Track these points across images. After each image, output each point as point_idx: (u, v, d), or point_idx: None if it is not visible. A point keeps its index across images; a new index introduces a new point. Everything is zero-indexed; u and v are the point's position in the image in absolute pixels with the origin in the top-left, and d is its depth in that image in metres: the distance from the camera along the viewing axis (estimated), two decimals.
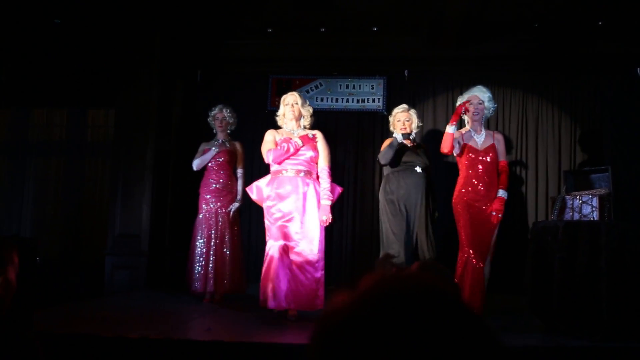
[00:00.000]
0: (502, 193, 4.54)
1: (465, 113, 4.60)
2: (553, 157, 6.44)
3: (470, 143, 4.63)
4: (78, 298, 5.51)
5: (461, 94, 4.97)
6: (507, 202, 4.60)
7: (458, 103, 4.79)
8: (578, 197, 4.43)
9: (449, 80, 6.67)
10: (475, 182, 4.54)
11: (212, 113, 5.48)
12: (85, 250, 7.00)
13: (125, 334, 3.49)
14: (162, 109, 6.38)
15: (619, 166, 5.98)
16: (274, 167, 4.46)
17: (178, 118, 6.80)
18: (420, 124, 5.26)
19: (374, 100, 6.71)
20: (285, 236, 4.28)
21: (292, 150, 4.37)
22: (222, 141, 5.42)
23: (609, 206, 4.31)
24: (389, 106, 5.92)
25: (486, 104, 4.66)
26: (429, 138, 6.57)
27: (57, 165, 7.34)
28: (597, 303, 3.74)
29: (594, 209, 4.30)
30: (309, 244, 4.30)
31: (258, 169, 6.04)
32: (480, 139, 4.64)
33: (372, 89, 6.73)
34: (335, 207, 6.37)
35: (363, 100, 6.73)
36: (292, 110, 4.53)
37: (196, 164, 5.31)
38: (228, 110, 5.45)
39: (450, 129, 4.51)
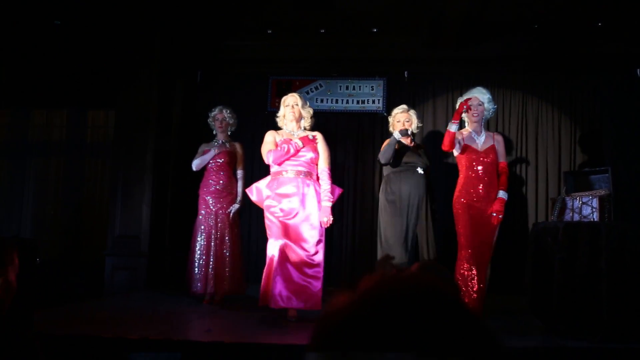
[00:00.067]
0: (502, 194, 4.54)
1: (466, 111, 4.59)
2: (553, 158, 6.44)
3: (471, 144, 4.63)
4: (78, 299, 5.51)
5: (461, 94, 4.97)
6: (507, 203, 4.60)
7: (458, 103, 4.79)
8: (578, 198, 4.43)
9: (448, 81, 6.67)
10: (475, 183, 4.54)
11: (212, 114, 5.48)
12: (85, 251, 7.00)
13: (125, 334, 3.49)
14: (162, 110, 6.38)
15: (618, 167, 5.98)
16: (274, 168, 4.46)
17: (178, 119, 6.80)
18: (420, 125, 5.26)
19: (373, 102, 6.71)
20: (286, 236, 4.28)
21: (292, 151, 4.37)
22: (222, 142, 5.42)
23: (609, 207, 4.31)
24: (389, 107, 5.92)
25: (486, 105, 4.66)
26: (429, 139, 6.58)
27: (57, 166, 7.34)
28: (597, 304, 3.74)
29: (594, 209, 4.30)
30: (308, 244, 4.31)
31: (258, 170, 6.04)
32: (480, 140, 4.64)
33: (372, 90, 6.73)
34: (335, 208, 6.36)
35: (363, 102, 6.73)
36: (292, 111, 4.53)
37: (195, 164, 5.31)
38: (228, 111, 5.45)
39: (452, 127, 4.51)
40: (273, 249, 4.28)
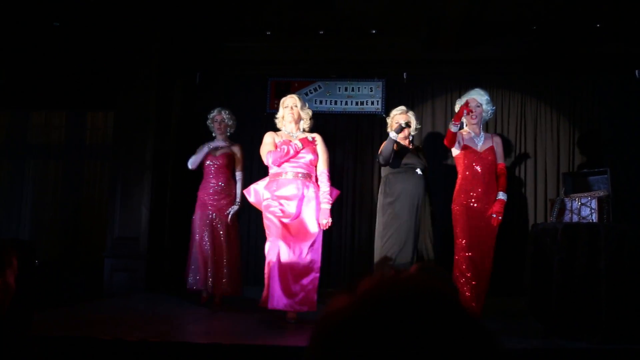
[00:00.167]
0: (502, 195, 4.54)
1: (467, 115, 4.59)
2: (552, 159, 6.44)
3: (470, 144, 4.63)
4: (77, 300, 5.51)
5: (460, 96, 4.97)
6: (506, 204, 4.60)
7: (457, 105, 4.79)
8: (577, 199, 4.43)
9: (447, 82, 6.68)
10: (475, 184, 4.54)
11: (211, 115, 5.47)
12: (84, 252, 7.00)
13: (124, 336, 3.48)
14: (161, 111, 6.38)
15: (617, 168, 5.98)
16: (272, 170, 4.44)
17: (177, 120, 6.79)
18: (419, 126, 5.26)
19: (372, 103, 6.71)
20: (285, 236, 4.27)
21: (292, 152, 4.35)
22: (221, 143, 5.41)
23: (607, 208, 4.31)
24: (388, 108, 5.92)
25: (484, 106, 4.66)
26: (428, 140, 6.58)
27: (56, 168, 7.34)
28: (597, 305, 3.74)
29: (592, 210, 4.31)
30: (306, 245, 4.30)
31: (257, 172, 6.03)
32: (479, 141, 4.64)
33: (371, 91, 6.73)
34: (334, 210, 6.35)
35: (362, 103, 6.73)
36: (291, 112, 4.52)
37: (190, 162, 5.30)
38: (227, 113, 5.44)
39: (452, 128, 4.51)
40: (272, 250, 4.27)
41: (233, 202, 5.27)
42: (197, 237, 5.20)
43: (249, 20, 6.42)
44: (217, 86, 6.89)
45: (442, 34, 6.07)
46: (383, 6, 5.90)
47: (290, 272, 4.23)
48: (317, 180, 4.48)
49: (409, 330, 0.59)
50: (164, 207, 6.52)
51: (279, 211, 4.31)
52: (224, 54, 6.82)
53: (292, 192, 4.32)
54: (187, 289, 5.19)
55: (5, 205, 7.26)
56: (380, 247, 4.68)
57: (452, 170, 4.94)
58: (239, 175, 5.38)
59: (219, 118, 5.41)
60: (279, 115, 4.62)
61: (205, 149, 5.28)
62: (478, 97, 4.65)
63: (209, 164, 5.32)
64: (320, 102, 6.76)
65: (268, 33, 6.58)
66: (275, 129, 4.64)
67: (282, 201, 4.31)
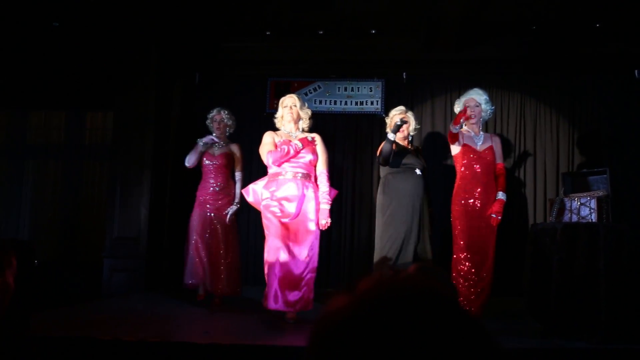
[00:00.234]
0: (501, 195, 4.54)
1: (465, 121, 4.58)
2: (551, 158, 6.44)
3: (470, 144, 4.63)
4: (76, 300, 5.50)
5: (459, 96, 4.97)
6: (505, 204, 4.60)
7: (456, 106, 4.79)
8: (576, 198, 4.44)
9: (447, 82, 6.68)
10: (474, 184, 4.53)
11: (210, 115, 5.46)
12: (83, 252, 7.00)
13: (123, 336, 3.48)
14: (160, 112, 6.38)
15: (617, 168, 5.99)
16: (272, 170, 4.43)
17: (176, 120, 6.79)
18: (418, 127, 5.26)
19: (372, 103, 6.72)
20: (284, 236, 4.27)
21: (292, 152, 4.34)
22: (219, 144, 5.39)
23: (607, 208, 4.31)
24: (387, 108, 5.92)
25: (483, 106, 4.66)
26: (428, 140, 6.59)
27: (55, 168, 7.33)
28: (596, 305, 3.74)
29: (592, 210, 4.31)
30: (305, 246, 4.29)
31: (257, 171, 6.03)
32: (479, 141, 4.64)
33: (371, 91, 6.73)
34: (334, 210, 6.36)
35: (361, 103, 6.73)
36: (290, 112, 4.51)
37: (186, 159, 5.27)
38: (226, 112, 5.43)
39: (453, 130, 4.52)
40: (271, 250, 4.26)
41: (232, 202, 5.27)
42: (194, 236, 5.18)
43: (248, 20, 6.42)
44: (216, 86, 6.89)
45: (442, 34, 6.07)
46: (383, 6, 5.89)
47: (288, 272, 4.23)
48: (316, 180, 4.48)
49: (407, 330, 0.59)
50: (163, 207, 6.52)
51: (279, 211, 4.30)
52: (224, 54, 6.82)
53: (292, 193, 4.31)
54: (184, 284, 5.17)
55: (4, 206, 7.26)
56: (380, 247, 4.67)
57: (452, 171, 4.94)
58: (238, 175, 5.38)
59: (218, 118, 5.41)
60: (278, 115, 4.61)
61: (199, 145, 5.25)
62: (477, 97, 4.65)
63: (208, 164, 5.31)
64: (320, 102, 6.76)
65: (268, 33, 6.58)
66: (275, 129, 4.64)
67: (283, 201, 4.31)
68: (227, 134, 5.48)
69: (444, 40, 6.19)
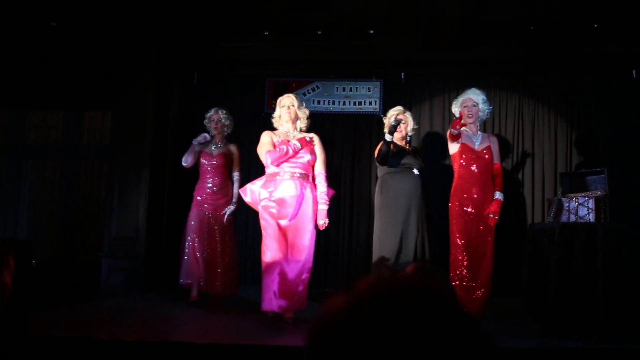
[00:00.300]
0: (498, 195, 4.54)
1: (461, 127, 4.57)
2: (549, 158, 6.45)
3: (468, 143, 4.63)
4: (74, 300, 5.50)
5: (457, 96, 4.97)
6: (503, 204, 4.60)
7: (454, 106, 4.79)
8: (574, 198, 4.44)
9: (445, 82, 6.68)
10: (471, 183, 4.53)
11: (208, 115, 5.45)
12: (82, 252, 6.99)
13: (122, 336, 3.48)
14: (158, 112, 6.38)
15: (615, 168, 6.00)
16: (270, 170, 4.40)
17: (175, 120, 6.79)
18: (416, 127, 5.25)
19: (370, 103, 6.72)
20: (282, 237, 4.25)
21: (291, 152, 4.32)
22: (217, 143, 5.38)
23: (605, 208, 4.32)
24: (386, 108, 5.92)
25: (480, 106, 4.66)
26: (426, 140, 6.59)
27: (54, 168, 7.33)
28: (594, 305, 3.75)
29: (590, 210, 4.31)
30: (302, 247, 4.27)
31: (255, 171, 6.03)
32: (477, 140, 4.64)
33: (369, 91, 6.74)
34: (332, 210, 6.36)
35: (360, 103, 6.74)
36: (288, 112, 4.49)
37: (183, 159, 5.26)
38: (224, 112, 5.42)
39: (454, 132, 4.52)
40: (268, 251, 4.24)
41: (230, 202, 5.26)
42: (192, 236, 5.15)
43: (246, 20, 6.42)
44: (215, 86, 6.88)
45: (441, 34, 6.07)
46: (381, 6, 5.90)
47: (286, 274, 4.21)
48: (314, 180, 4.47)
49: (406, 330, 0.59)
50: (162, 207, 6.52)
51: (277, 212, 4.28)
52: (222, 54, 6.82)
53: (290, 193, 4.29)
54: (179, 283, 5.15)
55: (2, 206, 7.26)
56: (378, 247, 4.67)
57: (450, 170, 4.94)
58: (236, 175, 5.37)
59: (216, 117, 5.39)
60: (276, 114, 4.60)
61: (195, 145, 5.24)
62: (474, 97, 4.65)
63: (206, 164, 5.29)
64: (318, 102, 6.76)
65: (266, 33, 6.58)
66: (273, 129, 4.62)
67: (280, 203, 4.29)
68: (225, 133, 5.46)
69: (443, 40, 6.19)
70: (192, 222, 5.20)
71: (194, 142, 5.23)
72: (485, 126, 6.31)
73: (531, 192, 6.44)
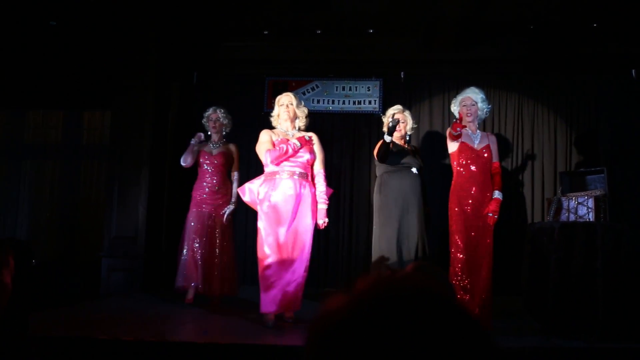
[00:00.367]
0: (497, 194, 4.54)
1: (461, 130, 4.56)
2: (549, 158, 6.46)
3: (467, 142, 4.62)
4: (74, 300, 5.49)
5: (456, 95, 4.97)
6: (502, 204, 4.60)
7: (453, 106, 4.78)
8: (574, 198, 4.44)
9: (445, 82, 6.69)
10: (470, 182, 4.52)
11: (206, 114, 5.44)
12: (81, 252, 6.99)
13: (121, 336, 3.48)
14: (158, 111, 6.37)
15: (614, 167, 6.00)
16: (269, 168, 4.38)
17: (174, 120, 6.79)
18: (415, 126, 5.25)
19: (370, 102, 6.72)
20: (279, 238, 4.23)
21: (290, 151, 4.30)
22: (216, 143, 5.38)
23: (604, 207, 4.32)
24: (385, 108, 5.93)
25: (479, 105, 4.65)
26: (426, 140, 6.59)
27: (53, 168, 7.33)
28: (593, 304, 3.75)
29: (589, 210, 4.31)
30: (300, 247, 4.26)
31: (254, 172, 6.02)
32: (476, 139, 4.64)
33: (369, 90, 6.74)
34: (331, 209, 6.36)
35: (359, 102, 6.74)
36: (286, 110, 4.47)
37: (182, 160, 5.24)
38: (222, 111, 5.40)
39: (454, 133, 4.51)
40: (267, 252, 4.22)
41: (229, 202, 5.25)
42: (192, 236, 5.14)
43: (246, 20, 6.41)
44: (214, 86, 6.88)
45: (440, 33, 6.07)
46: (381, 6, 5.89)
47: (284, 275, 4.19)
48: (312, 179, 4.46)
49: (405, 329, 0.59)
50: (161, 206, 6.52)
51: (275, 212, 4.26)
52: (222, 53, 6.81)
53: (289, 192, 4.27)
54: (175, 286, 5.12)
55: (2, 205, 7.25)
56: (377, 246, 4.66)
57: (450, 170, 4.94)
58: (235, 175, 5.37)
59: (214, 117, 5.38)
60: (274, 113, 4.58)
61: (192, 145, 5.22)
62: (473, 96, 4.64)
63: (206, 163, 5.28)
64: (318, 101, 6.76)
65: (266, 33, 6.58)
66: (272, 128, 4.60)
67: (279, 204, 4.27)
68: (224, 133, 5.45)
69: (443, 40, 6.20)
70: (191, 223, 5.19)
71: (191, 142, 5.22)
72: (484, 126, 6.32)
73: (531, 191, 6.44)
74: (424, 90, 6.75)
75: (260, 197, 4.34)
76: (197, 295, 5.11)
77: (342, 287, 0.68)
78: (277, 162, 4.30)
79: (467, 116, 4.62)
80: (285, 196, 4.27)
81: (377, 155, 4.76)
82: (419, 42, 6.42)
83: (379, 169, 4.84)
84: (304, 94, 6.70)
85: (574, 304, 3.84)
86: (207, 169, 5.27)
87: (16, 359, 1.96)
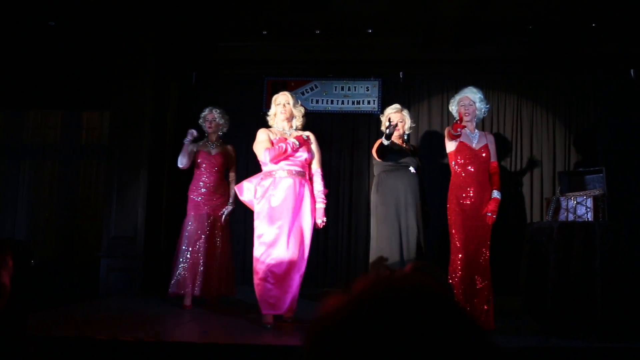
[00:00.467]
0: (496, 194, 4.54)
1: (462, 130, 4.56)
2: (548, 158, 6.46)
3: (465, 141, 4.63)
4: (73, 300, 5.49)
5: (455, 96, 4.97)
6: (501, 203, 4.60)
7: (451, 106, 4.78)
8: (573, 197, 4.45)
9: (444, 82, 6.69)
10: (469, 182, 4.52)
11: (203, 114, 5.42)
12: (80, 252, 6.99)
13: (120, 336, 3.48)
14: (156, 111, 6.37)
15: (613, 167, 6.00)
16: (267, 167, 4.37)
17: (173, 120, 6.78)
18: (413, 125, 5.25)
19: (369, 102, 6.72)
20: (279, 237, 4.22)
21: (289, 150, 4.30)
22: (213, 143, 5.37)
23: (603, 207, 4.33)
24: (384, 108, 5.92)
25: (477, 104, 4.65)
26: (425, 139, 6.59)
27: (52, 168, 7.32)
28: (592, 303, 3.76)
29: (588, 209, 4.32)
30: (300, 246, 4.25)
31: (253, 172, 6.00)
32: (474, 139, 4.64)
33: (367, 90, 6.74)
34: (331, 209, 6.37)
35: (358, 102, 6.74)
36: (283, 110, 4.46)
37: (179, 161, 5.20)
38: (218, 112, 5.38)
39: (454, 133, 4.51)
40: (265, 253, 4.20)
41: (226, 203, 5.24)
42: (189, 241, 5.09)
43: (245, 19, 6.41)
44: (213, 86, 6.88)
45: (439, 33, 6.07)
46: (380, 6, 5.89)
47: (283, 276, 4.17)
48: (310, 178, 4.46)
49: (404, 330, 0.59)
50: (160, 206, 6.51)
51: (273, 212, 4.24)
52: (220, 53, 6.81)
53: (289, 191, 4.26)
54: (168, 293, 5.06)
55: (0, 205, 7.25)
56: (375, 246, 4.66)
57: (449, 170, 4.95)
58: (232, 175, 5.36)
59: (210, 117, 5.37)
60: (271, 112, 4.57)
61: (186, 145, 5.18)
62: (471, 95, 4.64)
63: (205, 164, 5.27)
64: (317, 101, 6.76)
65: (264, 33, 6.58)
66: (268, 127, 4.59)
67: (278, 203, 4.25)
68: (221, 133, 5.43)
69: (442, 40, 6.20)
70: (190, 224, 5.17)
71: (185, 142, 5.17)
72: (483, 125, 6.32)
73: (529, 191, 6.45)
74: (423, 90, 6.76)
75: (259, 195, 4.32)
76: (195, 297, 5.08)
77: (341, 287, 0.68)
78: (276, 160, 4.29)
79: (465, 116, 4.62)
80: (285, 195, 4.26)
81: (376, 153, 4.75)
82: (418, 42, 6.43)
83: (377, 168, 4.84)
84: (303, 94, 6.70)
85: (573, 304, 3.84)
86: (205, 169, 5.25)
87: (15, 359, 1.96)
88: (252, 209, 4.44)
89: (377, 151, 4.70)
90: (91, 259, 6.35)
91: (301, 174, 4.36)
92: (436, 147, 6.37)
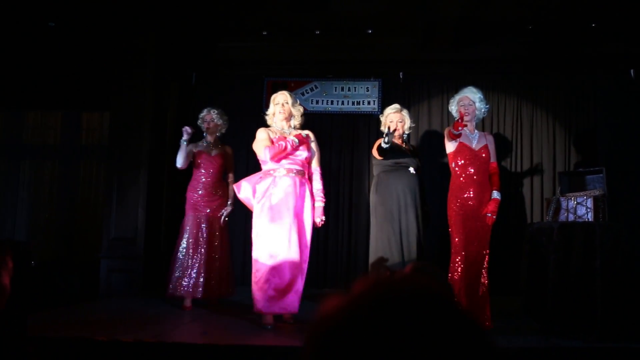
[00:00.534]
0: (496, 194, 4.54)
1: (462, 129, 4.56)
2: (548, 158, 6.46)
3: (465, 141, 4.62)
4: (73, 301, 5.49)
5: (454, 96, 4.96)
6: (501, 204, 4.60)
7: (451, 105, 4.78)
8: (573, 198, 4.45)
9: (444, 82, 6.69)
10: (469, 182, 4.52)
11: (201, 115, 5.41)
12: (80, 253, 6.99)
13: (120, 337, 3.48)
14: (156, 112, 6.37)
15: (613, 167, 6.00)
16: (267, 166, 4.36)
17: (173, 121, 6.78)
18: (413, 125, 5.25)
19: (369, 102, 6.72)
20: (279, 236, 4.20)
21: (289, 148, 4.30)
22: (213, 143, 5.36)
23: (603, 207, 4.33)
24: (384, 108, 5.93)
25: (477, 104, 4.64)
26: (424, 139, 6.59)
27: (52, 168, 7.33)
28: (592, 304, 3.76)
29: (588, 210, 4.32)
30: (300, 245, 4.23)
31: (253, 172, 6.01)
32: (474, 139, 4.64)
33: (367, 91, 6.74)
34: (331, 209, 6.37)
35: (358, 103, 6.74)
36: (282, 109, 4.46)
37: (177, 161, 5.18)
38: (216, 112, 5.36)
39: (455, 133, 4.51)
40: (265, 254, 4.19)
41: (225, 203, 5.24)
42: (187, 242, 5.09)
43: (245, 20, 6.41)
44: (213, 86, 6.88)
45: (439, 34, 6.08)
46: (379, 6, 5.90)
47: (282, 276, 4.16)
48: (310, 177, 4.46)
49: (404, 330, 0.59)
50: (160, 207, 6.51)
51: (273, 211, 4.23)
52: (220, 54, 6.81)
53: (289, 190, 4.25)
54: (168, 294, 5.05)
55: (0, 206, 7.25)
56: (374, 247, 4.65)
57: (449, 170, 4.94)
58: (231, 177, 5.36)
59: (209, 118, 5.36)
60: (270, 112, 4.57)
61: (183, 145, 5.15)
62: (471, 95, 4.64)
63: (205, 164, 5.27)
64: (317, 102, 6.76)
65: (264, 33, 6.58)
66: (267, 126, 4.58)
67: (278, 202, 4.25)
68: (219, 133, 5.41)
69: (441, 40, 6.20)
70: (188, 225, 5.15)
71: (182, 142, 5.16)
72: (483, 126, 6.33)
73: (530, 191, 6.45)
74: (423, 91, 6.76)
75: (258, 194, 4.32)
76: (196, 299, 5.08)
77: (341, 287, 0.68)
78: (277, 158, 4.28)
79: (465, 115, 4.61)
80: (286, 194, 4.24)
81: (376, 151, 4.74)
82: (417, 42, 6.43)
83: (376, 168, 4.84)
84: (303, 94, 6.70)
85: (573, 304, 3.84)
86: (204, 170, 5.24)
87: (15, 359, 1.96)
88: (249, 207, 4.44)
89: (377, 150, 4.69)
90: (91, 259, 6.35)
91: (301, 173, 4.35)
92: (436, 147, 6.37)
